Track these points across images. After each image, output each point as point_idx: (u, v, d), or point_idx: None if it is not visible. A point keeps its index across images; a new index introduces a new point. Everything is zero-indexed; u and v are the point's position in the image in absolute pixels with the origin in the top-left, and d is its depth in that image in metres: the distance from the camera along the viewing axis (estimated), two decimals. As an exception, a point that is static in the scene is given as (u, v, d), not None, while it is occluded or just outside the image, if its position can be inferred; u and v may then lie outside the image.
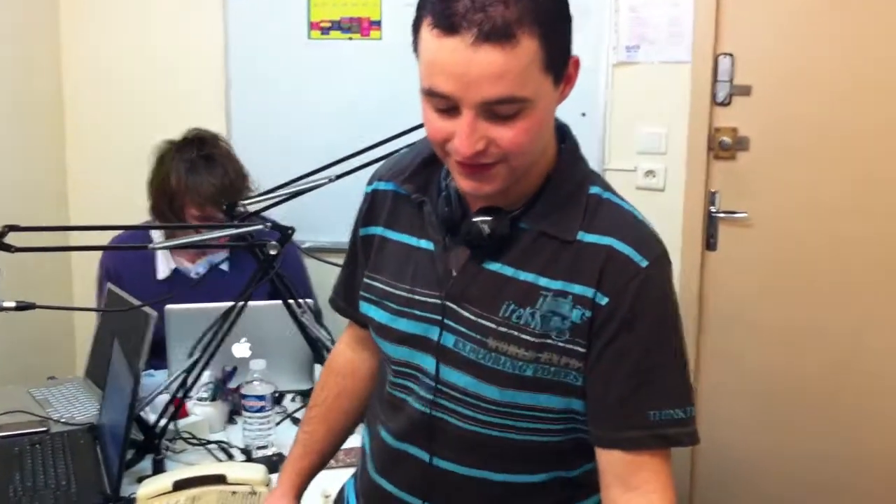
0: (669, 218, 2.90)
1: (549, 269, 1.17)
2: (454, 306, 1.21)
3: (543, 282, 1.17)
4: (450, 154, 1.12)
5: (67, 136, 3.37)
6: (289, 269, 2.50)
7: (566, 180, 1.20)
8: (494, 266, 1.20)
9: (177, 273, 2.50)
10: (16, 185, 3.07)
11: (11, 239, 1.60)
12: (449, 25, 1.02)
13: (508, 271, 1.19)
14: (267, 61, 3.12)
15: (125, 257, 2.49)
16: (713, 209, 2.93)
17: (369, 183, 1.39)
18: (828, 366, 2.89)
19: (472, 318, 1.20)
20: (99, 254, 2.57)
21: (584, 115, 2.85)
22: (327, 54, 3.07)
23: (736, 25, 2.83)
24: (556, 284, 1.16)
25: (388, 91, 2.95)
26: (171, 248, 1.65)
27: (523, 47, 1.03)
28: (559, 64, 1.10)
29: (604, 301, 1.14)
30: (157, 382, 2.15)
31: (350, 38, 3.05)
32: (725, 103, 2.88)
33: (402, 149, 1.45)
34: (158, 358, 2.22)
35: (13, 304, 1.66)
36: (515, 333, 1.17)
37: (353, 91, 3.06)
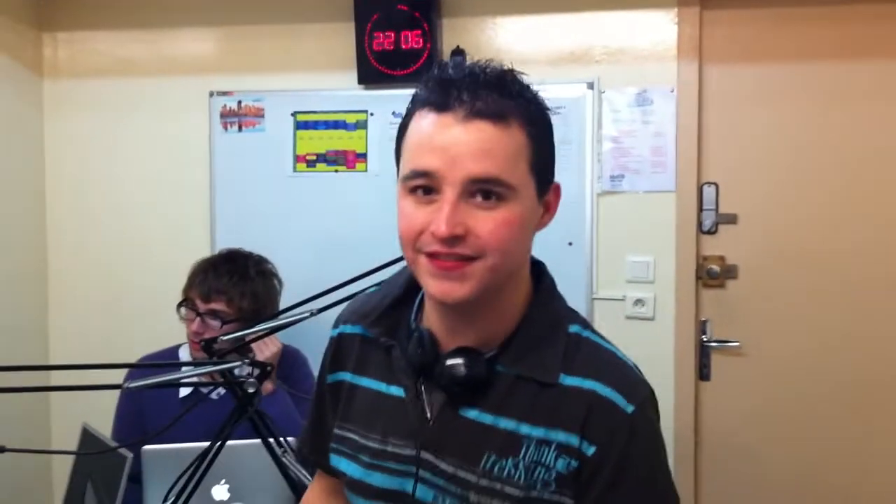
0: (660, 347, 2.86)
1: (530, 414, 1.10)
2: (431, 458, 1.14)
3: (525, 429, 1.10)
4: (421, 252, 1.07)
5: (50, 275, 3.34)
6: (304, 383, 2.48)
7: (542, 320, 1.15)
8: (472, 413, 1.13)
9: (196, 392, 2.43)
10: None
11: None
12: (443, 103, 1.04)
13: (487, 419, 1.12)
14: (253, 194, 3.14)
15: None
16: (705, 338, 2.89)
17: (334, 326, 1.32)
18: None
19: (451, 470, 1.12)
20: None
21: (570, 244, 2.84)
22: (313, 186, 3.09)
23: (719, 155, 2.86)
24: (538, 432, 1.10)
25: (373, 222, 2.95)
26: (142, 388, 1.59)
27: (514, 132, 1.04)
28: (543, 174, 1.08)
29: (590, 451, 1.08)
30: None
31: (336, 171, 3.07)
32: (712, 232, 2.88)
33: (369, 287, 1.36)
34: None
35: (-18, 448, 1.58)
36: (499, 487, 1.10)
37: (339, 222, 3.06)
